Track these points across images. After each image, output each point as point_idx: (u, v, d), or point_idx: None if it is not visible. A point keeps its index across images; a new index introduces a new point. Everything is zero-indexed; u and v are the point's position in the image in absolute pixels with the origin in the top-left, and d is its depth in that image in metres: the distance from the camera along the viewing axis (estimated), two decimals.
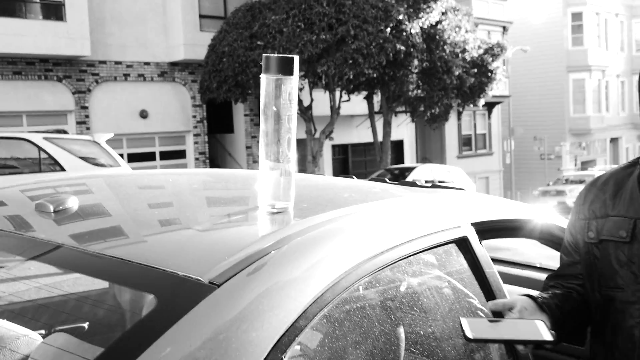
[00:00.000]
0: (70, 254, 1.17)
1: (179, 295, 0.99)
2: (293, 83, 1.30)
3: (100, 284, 1.11)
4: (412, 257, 1.36)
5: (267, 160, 1.34)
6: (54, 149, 9.68)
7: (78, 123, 16.49)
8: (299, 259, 1.09)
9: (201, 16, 18.08)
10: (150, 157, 18.06)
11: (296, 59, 1.30)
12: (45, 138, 9.74)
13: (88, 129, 16.56)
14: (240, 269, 1.03)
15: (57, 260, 1.17)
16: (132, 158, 17.66)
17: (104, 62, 16.92)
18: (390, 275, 1.34)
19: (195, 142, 18.70)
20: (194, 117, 18.66)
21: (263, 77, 1.30)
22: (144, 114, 17.67)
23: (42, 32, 15.18)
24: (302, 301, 1.02)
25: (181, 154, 18.71)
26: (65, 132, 10.32)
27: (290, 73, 1.29)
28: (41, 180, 1.88)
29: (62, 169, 9.52)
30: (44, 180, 1.88)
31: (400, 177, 18.14)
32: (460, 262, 1.53)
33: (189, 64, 18.27)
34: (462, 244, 1.52)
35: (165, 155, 18.36)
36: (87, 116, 16.63)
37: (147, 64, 17.64)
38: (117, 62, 17.14)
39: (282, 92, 1.30)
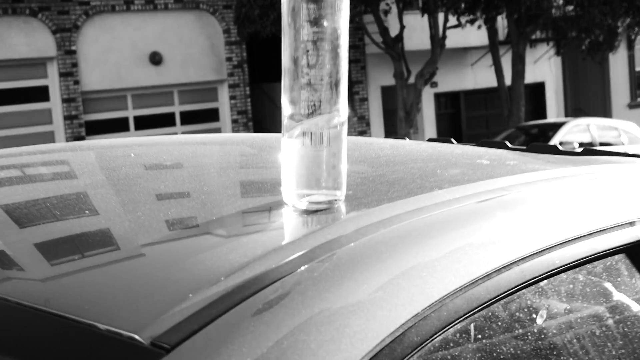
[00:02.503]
0: None
1: None
2: None
3: None
4: (546, 280, 1.32)
5: (295, 121, 1.26)
6: None
7: (62, 75, 17.00)
8: (356, 275, 1.06)
9: None
10: (167, 120, 18.47)
11: None
12: None
13: (76, 82, 16.92)
14: (225, 308, 0.95)
15: None
16: (142, 123, 18.03)
17: None
18: (515, 306, 1.31)
19: (232, 97, 18.98)
20: (229, 60, 18.91)
21: None
22: (156, 59, 18.03)
23: None
24: (371, 340, 0.98)
25: (212, 115, 19.06)
26: None
27: None
28: None
29: None
30: None
31: (540, 139, 17.82)
32: (635, 284, 1.50)
33: None
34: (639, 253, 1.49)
35: (188, 118, 18.72)
36: (74, 65, 17.07)
37: None
38: None
39: (324, 5, 1.23)
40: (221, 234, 1.28)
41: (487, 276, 1.17)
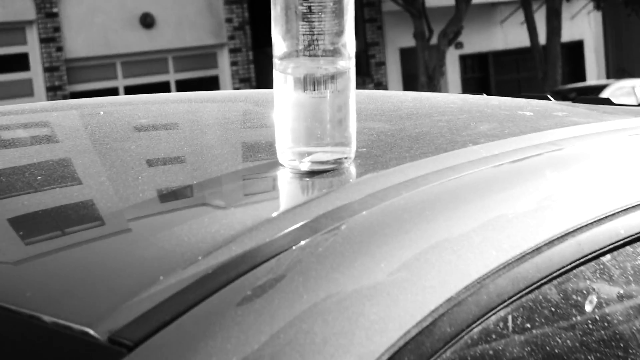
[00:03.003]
0: None
1: None
2: None
3: None
4: (608, 254, 1.28)
5: (289, 61, 1.22)
6: None
7: (43, 41, 17.17)
8: (372, 250, 1.03)
9: None
10: (161, 90, 18.52)
11: None
12: None
13: (59, 49, 17.00)
14: (205, 294, 0.92)
15: None
16: (133, 93, 17.97)
17: None
18: (572, 287, 1.28)
19: (234, 63, 19.13)
20: (229, 21, 19.03)
21: None
22: (147, 21, 18.16)
23: None
24: (393, 332, 0.95)
25: (211, 84, 19.19)
26: None
27: None
28: None
29: None
30: None
31: None
32: None
33: None
34: None
35: (185, 87, 18.84)
36: (56, 29, 17.18)
37: None
38: None
39: None
40: (202, 203, 1.25)
41: (537, 250, 1.15)
